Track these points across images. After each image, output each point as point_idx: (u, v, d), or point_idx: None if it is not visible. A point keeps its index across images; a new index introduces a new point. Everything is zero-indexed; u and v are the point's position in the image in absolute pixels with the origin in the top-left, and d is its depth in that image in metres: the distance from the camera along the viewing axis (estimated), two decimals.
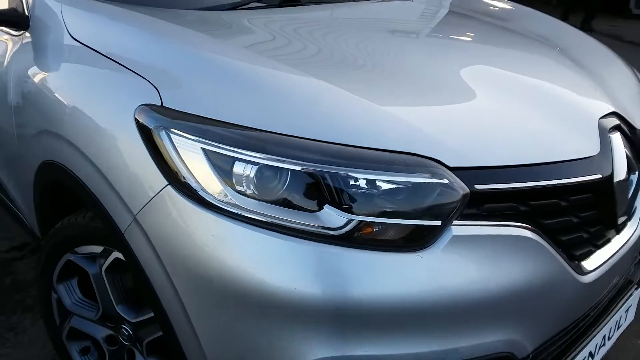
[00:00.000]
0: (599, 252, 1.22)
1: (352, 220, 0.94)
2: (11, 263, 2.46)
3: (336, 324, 0.94)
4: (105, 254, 1.31)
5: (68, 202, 1.41)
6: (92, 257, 1.36)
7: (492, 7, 2.12)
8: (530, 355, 1.12)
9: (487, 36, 1.74)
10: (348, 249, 0.95)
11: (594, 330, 1.32)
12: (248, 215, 0.95)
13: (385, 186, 0.96)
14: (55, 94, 1.34)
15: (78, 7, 1.45)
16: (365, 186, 0.96)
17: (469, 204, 0.99)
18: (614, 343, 1.49)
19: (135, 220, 1.06)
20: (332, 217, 0.94)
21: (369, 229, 0.97)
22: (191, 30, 1.32)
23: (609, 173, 1.15)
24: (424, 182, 0.97)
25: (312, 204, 0.95)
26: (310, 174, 0.95)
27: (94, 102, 1.20)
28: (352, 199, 0.95)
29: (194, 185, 0.98)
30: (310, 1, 1.80)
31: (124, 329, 1.37)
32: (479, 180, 0.99)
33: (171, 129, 1.00)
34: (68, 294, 1.47)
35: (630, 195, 1.24)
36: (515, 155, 1.05)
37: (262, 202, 0.96)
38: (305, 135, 0.97)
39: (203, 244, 0.98)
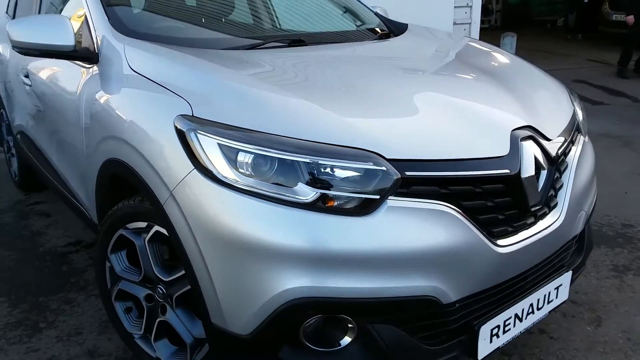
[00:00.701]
0: (518, 232, 1.59)
1: (316, 193, 1.37)
2: (68, 255, 2.97)
3: (306, 264, 1.36)
4: (148, 229, 1.77)
5: (121, 191, 1.89)
6: (138, 232, 1.82)
7: (468, 46, 2.56)
8: (457, 304, 1.50)
9: (443, 67, 2.17)
10: (314, 212, 1.37)
11: (520, 297, 1.68)
12: (247, 189, 1.40)
13: (341, 171, 1.39)
14: (117, 110, 1.84)
15: (136, 47, 1.95)
16: (328, 170, 1.39)
17: (401, 185, 1.40)
18: (547, 315, 1.84)
19: (171, 195, 1.51)
20: (303, 191, 1.38)
21: (331, 201, 1.40)
22: (215, 64, 1.81)
23: (516, 170, 1.54)
24: (368, 168, 1.39)
25: (290, 182, 1.39)
26: (289, 161, 1.39)
27: (146, 113, 1.68)
28: (318, 179, 1.38)
29: (211, 168, 1.43)
30: (313, 42, 2.27)
31: (159, 288, 1.81)
32: (408, 169, 1.41)
33: (198, 131, 1.46)
34: (118, 262, 1.93)
35: (541, 189, 1.62)
36: (438, 152, 1.47)
37: (256, 180, 1.40)
38: (287, 134, 1.42)
39: (217, 209, 1.42)
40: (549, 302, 1.81)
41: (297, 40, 2.25)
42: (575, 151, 1.87)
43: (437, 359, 1.53)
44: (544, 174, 1.63)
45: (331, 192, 1.38)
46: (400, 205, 1.41)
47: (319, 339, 1.46)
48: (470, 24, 7.07)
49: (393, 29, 2.74)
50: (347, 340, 1.46)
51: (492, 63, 2.30)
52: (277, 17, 2.91)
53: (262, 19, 2.77)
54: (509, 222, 1.58)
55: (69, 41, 2.03)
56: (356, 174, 1.40)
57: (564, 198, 1.74)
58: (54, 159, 2.65)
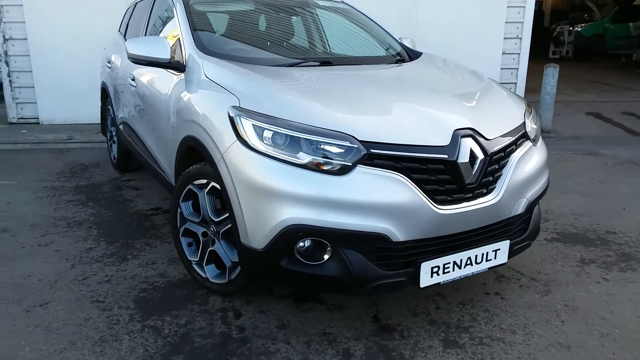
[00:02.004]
0: (458, 202, 2.26)
1: (310, 158, 2.14)
2: (150, 216, 3.89)
3: (299, 202, 2.12)
4: (207, 184, 2.60)
5: (192, 159, 2.74)
6: (201, 186, 2.65)
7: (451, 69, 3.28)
8: (404, 244, 2.20)
9: (425, 84, 2.89)
10: (308, 170, 2.13)
11: (459, 250, 2.33)
12: (267, 153, 2.18)
13: (327, 145, 2.15)
14: (194, 103, 2.70)
15: (210, 62, 2.82)
16: (319, 145, 2.15)
17: (367, 158, 2.14)
18: (487, 270, 2.47)
19: (222, 157, 2.33)
20: (302, 157, 2.15)
21: (320, 165, 2.16)
22: (258, 74, 2.64)
23: (454, 157, 2.23)
24: (345, 145, 2.14)
25: (294, 150, 2.16)
26: (295, 137, 2.17)
27: (211, 104, 2.52)
28: (311, 149, 2.15)
29: (247, 140, 2.23)
30: (338, 63, 3.06)
31: (212, 226, 2.63)
32: (373, 147, 2.15)
33: (241, 116, 2.28)
34: (185, 208, 2.77)
35: (475, 172, 2.28)
36: (395, 138, 2.18)
37: (274, 148, 2.18)
38: (295, 120, 2.20)
39: (248, 166, 2.22)
40: (487, 260, 2.44)
41: (326, 62, 3.05)
42: (518, 152, 2.51)
43: (387, 279, 2.22)
44: (478, 162, 2.29)
45: (318, 159, 2.14)
46: (365, 171, 2.14)
47: (307, 256, 2.21)
48: (519, 54, 7.59)
49: (410, 55, 3.47)
50: (325, 257, 2.20)
51: (467, 84, 2.98)
52: (321, 42, 3.73)
53: (307, 44, 3.58)
54: (449, 193, 2.26)
55: (166, 55, 2.95)
56: (337, 149, 2.15)
57: (502, 185, 2.39)
58: (147, 140, 3.59)
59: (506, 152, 2.45)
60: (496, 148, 2.38)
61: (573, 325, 2.53)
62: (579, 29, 16.92)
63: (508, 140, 2.46)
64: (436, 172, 2.23)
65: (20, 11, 6.68)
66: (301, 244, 2.21)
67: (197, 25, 3.14)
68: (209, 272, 2.71)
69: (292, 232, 2.15)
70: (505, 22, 7.36)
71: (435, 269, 2.29)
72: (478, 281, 2.93)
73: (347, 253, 2.18)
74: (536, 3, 20.55)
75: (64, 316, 2.55)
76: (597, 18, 17.81)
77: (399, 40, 3.72)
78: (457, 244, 2.35)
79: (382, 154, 2.17)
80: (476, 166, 2.29)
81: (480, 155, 2.30)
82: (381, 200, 2.14)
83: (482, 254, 2.42)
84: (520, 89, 7.76)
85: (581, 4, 19.97)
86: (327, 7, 3.88)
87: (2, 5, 6.67)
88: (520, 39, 7.50)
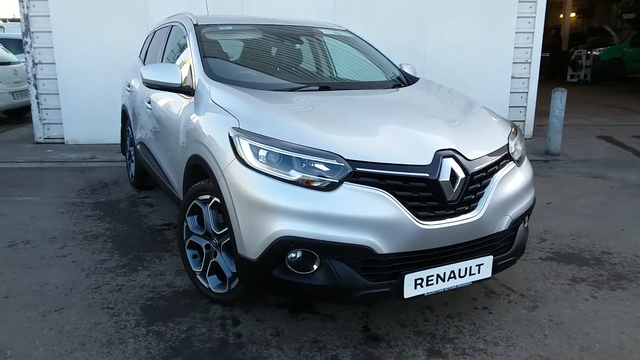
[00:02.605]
0: (441, 218, 2.42)
1: (300, 175, 2.32)
2: (162, 231, 4.11)
3: (290, 216, 2.30)
4: (210, 199, 2.80)
5: (198, 176, 2.95)
6: (204, 201, 2.85)
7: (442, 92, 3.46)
8: (388, 256, 2.35)
9: (414, 107, 3.07)
10: (298, 187, 2.32)
11: (442, 263, 2.48)
12: (262, 170, 2.37)
13: (317, 164, 2.34)
14: (201, 124, 2.92)
15: (216, 87, 3.05)
16: (309, 163, 2.34)
17: (353, 176, 2.32)
18: (471, 284, 2.60)
19: (222, 173, 2.53)
20: (293, 174, 2.34)
21: (310, 182, 2.34)
22: (258, 98, 2.85)
23: (435, 176, 2.40)
24: (333, 164, 2.33)
25: (287, 168, 2.35)
26: (287, 156, 2.36)
27: (214, 125, 2.74)
28: (302, 167, 2.34)
29: (244, 158, 2.43)
30: (337, 88, 3.27)
31: (214, 239, 2.83)
32: (359, 166, 2.33)
33: (239, 136, 2.49)
34: (191, 222, 2.97)
35: (456, 190, 2.44)
36: (380, 157, 2.36)
37: (268, 166, 2.38)
38: (288, 140, 2.40)
39: (245, 182, 2.42)
40: (470, 274, 2.57)
41: (325, 87, 3.26)
42: (501, 172, 2.66)
43: (372, 289, 2.38)
44: (459, 181, 2.45)
45: (308, 176, 2.33)
46: (352, 188, 2.32)
47: (297, 266, 2.38)
48: (529, 78, 7.72)
49: (409, 80, 3.67)
50: (314, 267, 2.37)
51: (455, 108, 3.15)
52: (322, 68, 3.95)
53: (309, 70, 3.79)
54: (431, 209, 2.42)
55: (177, 80, 3.19)
56: (325, 167, 2.34)
57: (484, 203, 2.54)
58: (160, 159, 3.83)
59: (488, 172, 2.60)
60: (477, 168, 2.53)
61: (555, 339, 2.63)
62: (597, 53, 16.96)
63: (490, 160, 2.61)
64: (419, 190, 2.39)
65: (49, 37, 7.10)
66: (292, 255, 2.39)
67: (207, 52, 3.39)
68: (211, 283, 2.89)
69: (284, 243, 2.33)
70: (515, 47, 7.51)
71: (419, 281, 2.44)
72: (468, 296, 3.05)
73: (335, 264, 2.35)
74: (554, 27, 20.58)
75: (76, 320, 2.75)
76: (615, 42, 17.83)
77: (399, 67, 3.92)
78: (441, 258, 2.50)
79: (367, 172, 2.34)
80: (457, 185, 2.45)
81: (461, 175, 2.46)
82: (366, 215, 2.31)
83: (466, 268, 2.56)
84: (530, 113, 7.88)
85: (599, 28, 20.02)
86: (331, 35, 4.11)
87: (32, 32, 7.09)
88: (530, 63, 7.64)
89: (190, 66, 3.35)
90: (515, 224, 2.75)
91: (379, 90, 3.41)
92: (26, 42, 7.15)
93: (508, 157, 2.76)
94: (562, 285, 3.23)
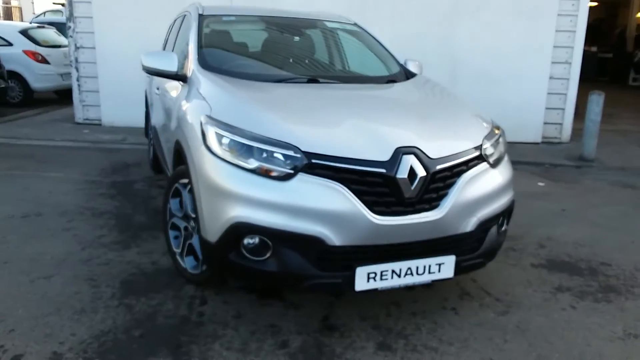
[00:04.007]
0: (398, 214, 2.43)
1: (257, 164, 2.39)
2: None
3: (245, 202, 2.38)
4: (188, 183, 2.92)
5: (180, 160, 3.07)
6: (184, 185, 2.97)
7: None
8: (340, 248, 2.39)
9: (392, 102, 3.06)
10: (256, 175, 2.39)
11: (398, 259, 2.48)
12: (224, 158, 2.46)
13: (275, 154, 2.40)
14: (186, 112, 3.04)
15: (204, 76, 3.15)
16: (267, 153, 2.41)
17: (309, 167, 2.36)
18: (431, 282, 2.59)
19: (192, 159, 2.64)
20: (252, 162, 2.41)
21: (269, 171, 2.40)
22: (234, 88, 2.93)
23: (392, 172, 2.40)
24: (290, 154, 2.38)
25: (246, 156, 2.43)
26: (246, 145, 2.44)
27: (193, 113, 2.84)
28: (260, 156, 2.41)
29: (209, 145, 2.52)
30: (325, 81, 3.31)
31: (191, 221, 2.94)
32: (314, 158, 2.37)
33: (208, 124, 2.58)
34: (173, 204, 3.11)
35: (414, 188, 2.43)
36: (336, 150, 2.38)
37: (230, 154, 2.46)
38: (251, 130, 2.47)
39: (209, 168, 2.51)
40: (430, 273, 2.56)
41: (313, 79, 3.30)
42: (470, 173, 2.62)
43: (323, 279, 2.42)
44: (418, 179, 2.44)
45: (266, 165, 2.39)
46: (306, 179, 2.37)
47: (252, 251, 2.46)
48: (568, 79, 7.42)
49: (407, 77, 3.65)
50: (267, 254, 2.44)
51: (436, 106, 3.12)
52: (317, 61, 3.96)
53: (303, 63, 3.83)
54: (388, 205, 2.43)
55: (173, 68, 3.33)
56: (282, 157, 2.39)
57: (447, 202, 2.52)
58: (162, 143, 4.00)
59: (453, 171, 2.57)
60: (440, 167, 2.51)
61: (514, 344, 2.59)
62: None
63: (456, 160, 2.58)
64: (375, 185, 2.41)
65: (91, 22, 7.47)
66: (250, 240, 2.46)
67: (205, 42, 3.51)
68: (188, 263, 3.02)
69: (238, 229, 2.41)
70: (554, 47, 7.23)
71: (372, 275, 2.45)
72: (440, 296, 3.03)
73: (287, 252, 2.41)
74: (620, 27, 19.49)
75: (60, 289, 2.95)
76: None
77: (402, 63, 3.89)
78: (397, 254, 2.50)
79: (322, 164, 2.38)
80: (416, 182, 2.44)
81: (420, 173, 2.45)
82: (318, 206, 2.35)
83: (425, 266, 2.55)
84: (569, 116, 7.57)
85: None
86: (335, 28, 4.13)
87: (75, 17, 7.49)
88: (570, 64, 7.34)
89: (188, 55, 3.48)
90: (486, 226, 2.71)
91: (367, 85, 3.42)
92: (69, 27, 7.56)
93: (480, 158, 2.71)
94: (543, 293, 3.14)
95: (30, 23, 12.64)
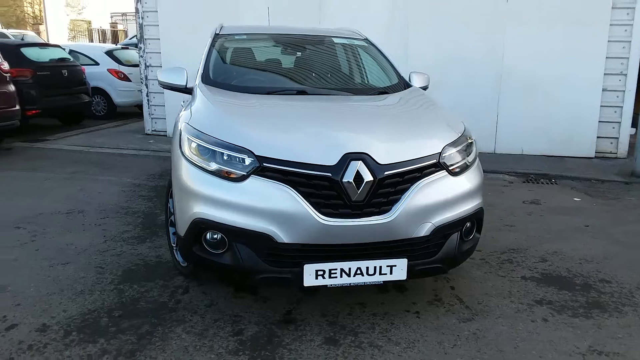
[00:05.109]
0: (345, 217, 2.59)
1: (217, 166, 2.67)
2: None
3: (205, 201, 2.66)
4: None
5: None
6: None
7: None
8: (289, 246, 2.59)
9: (364, 112, 3.21)
10: (214, 177, 2.66)
11: (347, 259, 2.63)
12: (192, 161, 2.76)
13: (232, 158, 2.66)
14: (179, 120, 3.39)
15: (200, 89, 3.50)
16: (225, 157, 2.67)
17: (261, 170, 2.59)
18: (382, 283, 2.71)
19: (173, 162, 2.98)
20: (212, 165, 2.69)
21: (228, 173, 2.67)
22: (214, 98, 3.24)
23: (338, 176, 2.57)
24: (244, 158, 2.63)
25: (208, 160, 2.71)
26: (209, 149, 2.72)
27: (181, 121, 3.18)
28: (220, 159, 2.68)
29: (183, 150, 2.84)
30: (313, 93, 3.53)
31: None
32: (266, 161, 2.60)
33: (184, 130, 2.91)
34: (171, 203, 3.45)
35: (360, 192, 2.57)
36: (287, 155, 2.59)
37: (197, 157, 2.76)
38: (214, 135, 2.75)
39: (180, 169, 2.82)
40: (381, 274, 2.67)
41: (302, 92, 3.54)
42: (426, 180, 2.72)
43: (273, 274, 2.63)
44: (364, 183, 2.58)
45: (224, 167, 2.66)
46: (258, 180, 2.60)
47: (212, 246, 2.72)
48: (624, 91, 7.05)
49: (402, 88, 3.79)
50: (224, 249, 2.69)
51: (406, 116, 3.22)
52: (313, 75, 4.13)
53: (296, 76, 4.03)
54: (335, 207, 2.59)
55: (182, 82, 3.73)
56: (237, 161, 2.65)
57: (398, 207, 2.64)
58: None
59: (405, 178, 2.68)
60: (389, 173, 2.63)
61: (462, 350, 2.63)
62: None
63: (408, 167, 2.69)
64: (322, 188, 2.59)
65: (158, 44, 8.22)
66: (214, 236, 2.73)
67: (212, 58, 3.88)
68: (179, 257, 3.35)
69: (199, 224, 2.69)
70: (606, 58, 6.90)
71: (321, 272, 2.62)
72: (410, 300, 3.12)
73: (240, 247, 2.65)
74: None
75: (72, 273, 3.40)
76: None
77: (401, 75, 4.01)
78: (348, 254, 2.65)
79: (273, 168, 2.60)
80: (362, 187, 2.59)
81: (367, 178, 2.59)
82: (268, 206, 2.58)
83: (375, 267, 2.67)
84: (625, 129, 7.15)
85: None
86: (343, 44, 4.33)
87: (145, 39, 8.28)
88: (625, 75, 6.95)
89: (199, 72, 3.86)
90: (445, 232, 2.78)
91: (352, 97, 3.58)
92: (140, 48, 8.37)
93: (437, 166, 2.79)
94: (520, 305, 3.12)
95: (117, 44, 13.95)
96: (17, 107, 7.17)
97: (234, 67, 3.96)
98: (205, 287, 3.22)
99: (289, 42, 4.27)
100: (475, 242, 3.04)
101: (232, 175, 2.65)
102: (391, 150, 2.71)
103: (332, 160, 2.60)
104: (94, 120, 10.36)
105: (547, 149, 7.32)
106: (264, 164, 2.61)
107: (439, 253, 2.81)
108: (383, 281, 2.71)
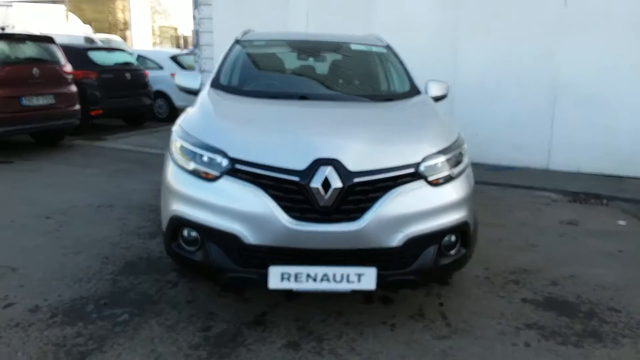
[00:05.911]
0: (314, 221, 2.60)
1: (194, 166, 2.76)
2: None
3: (181, 199, 2.76)
4: None
5: None
6: None
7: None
8: (255, 247, 2.63)
9: (355, 121, 3.16)
10: (191, 176, 2.76)
11: (314, 264, 2.63)
12: (176, 160, 2.89)
13: (208, 158, 2.75)
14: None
15: (205, 91, 3.63)
16: (201, 157, 2.76)
17: (233, 171, 2.66)
18: (350, 292, 2.67)
19: (165, 162, 3.12)
20: (191, 165, 2.79)
21: (205, 173, 2.76)
22: (215, 102, 3.35)
23: (306, 181, 2.58)
24: (218, 159, 2.71)
25: (188, 160, 2.81)
26: (189, 150, 2.83)
27: (179, 120, 3.33)
28: (197, 160, 2.77)
29: (172, 150, 2.98)
30: (315, 99, 3.55)
31: None
32: (238, 163, 2.66)
33: (175, 131, 3.04)
34: None
35: (328, 198, 2.57)
36: (258, 158, 2.64)
37: (180, 157, 2.87)
38: (196, 136, 2.85)
39: (166, 169, 2.96)
40: (348, 282, 2.64)
41: (303, 97, 3.58)
42: (401, 189, 2.67)
43: (240, 274, 2.68)
44: (332, 189, 2.57)
45: (200, 167, 2.75)
46: (229, 181, 2.67)
47: (188, 243, 2.82)
48: None
49: (412, 95, 3.74)
50: (197, 246, 2.78)
51: (395, 125, 3.14)
52: (321, 81, 4.12)
53: (303, 82, 4.06)
54: (302, 212, 2.61)
55: (196, 86, 3.89)
56: (212, 161, 2.73)
57: (368, 215, 2.61)
58: None
59: (376, 186, 2.64)
60: (358, 180, 2.61)
61: None
62: None
63: (380, 175, 2.65)
64: (290, 192, 2.61)
65: (212, 50, 8.57)
66: (191, 233, 2.83)
67: (226, 63, 4.01)
68: None
69: (175, 222, 2.80)
70: None
71: (286, 276, 2.63)
72: (390, 312, 3.05)
73: (211, 246, 2.72)
74: None
75: (80, 262, 3.63)
76: None
77: (414, 84, 3.94)
78: (315, 259, 2.65)
79: (244, 170, 2.66)
80: (330, 193, 2.58)
81: (336, 184, 2.58)
82: (237, 207, 2.64)
83: (343, 275, 2.64)
84: None
85: None
86: (361, 50, 4.31)
87: (200, 45, 8.66)
88: None
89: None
90: (418, 243, 2.71)
91: (349, 103, 3.56)
92: (195, 53, 8.76)
93: (415, 175, 2.72)
94: (506, 327, 2.96)
95: (180, 49, 14.58)
96: (78, 107, 7.73)
97: (244, 72, 4.07)
98: (194, 283, 3.33)
99: (305, 48, 4.32)
100: (461, 257, 2.93)
101: (209, 176, 2.73)
102: (364, 157, 2.69)
103: (302, 164, 2.62)
104: (156, 122, 10.93)
105: (606, 168, 6.82)
106: (236, 166, 2.68)
107: (413, 265, 2.74)
108: (351, 289, 2.67)
